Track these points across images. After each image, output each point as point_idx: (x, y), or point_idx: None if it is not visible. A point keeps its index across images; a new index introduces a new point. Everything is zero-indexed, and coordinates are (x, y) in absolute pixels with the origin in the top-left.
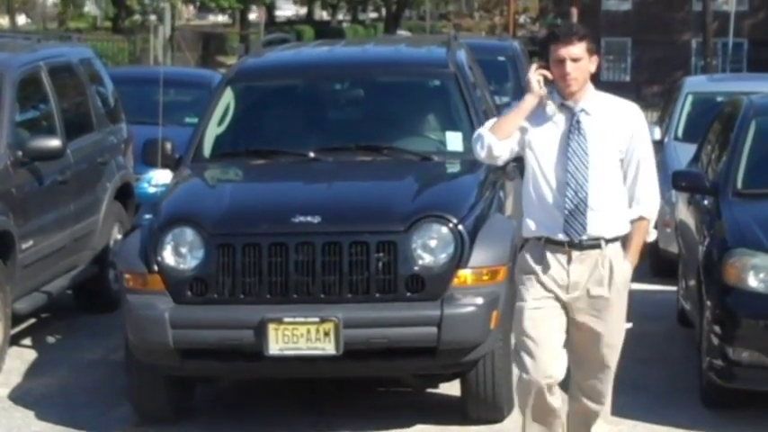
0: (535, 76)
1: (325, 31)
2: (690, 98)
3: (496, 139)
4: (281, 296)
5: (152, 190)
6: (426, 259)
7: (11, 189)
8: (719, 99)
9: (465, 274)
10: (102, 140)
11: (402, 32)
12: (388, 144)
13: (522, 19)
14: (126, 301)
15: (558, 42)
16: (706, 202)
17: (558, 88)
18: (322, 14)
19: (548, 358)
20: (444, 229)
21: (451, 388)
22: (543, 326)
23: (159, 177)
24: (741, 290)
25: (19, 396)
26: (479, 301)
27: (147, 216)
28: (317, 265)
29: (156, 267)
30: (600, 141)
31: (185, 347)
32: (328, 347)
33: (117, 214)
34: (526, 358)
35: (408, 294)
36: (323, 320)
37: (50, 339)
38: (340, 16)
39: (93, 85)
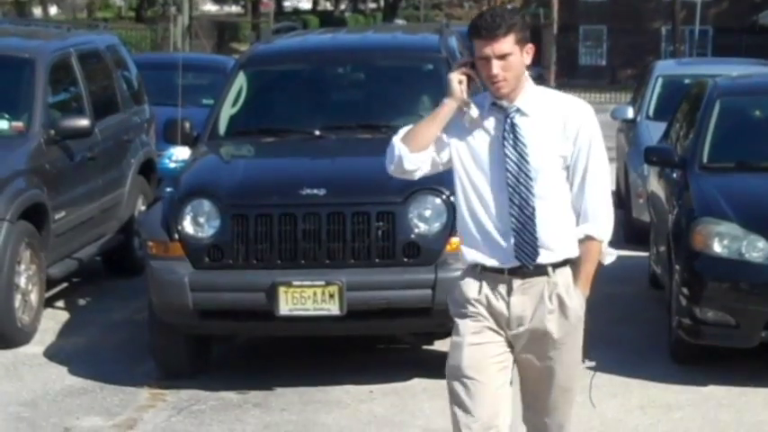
0: (457, 76)
1: (329, 20)
2: (660, 80)
3: (408, 151)
4: (290, 261)
5: (172, 165)
6: (422, 228)
7: (44, 165)
8: (687, 81)
9: (457, 241)
10: (127, 120)
11: (399, 21)
12: (387, 123)
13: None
14: (149, 266)
15: (481, 38)
16: (675, 175)
17: (488, 88)
18: (326, 5)
19: (489, 407)
20: (438, 200)
21: (445, 345)
22: (483, 367)
23: (179, 154)
24: (707, 255)
25: (53, 353)
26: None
27: (169, 189)
28: (323, 234)
29: (176, 236)
30: (540, 145)
31: (203, 308)
32: (333, 308)
33: (141, 187)
34: (464, 405)
35: (405, 260)
36: (328, 284)
37: (81, 302)
38: (342, 6)
39: (118, 70)
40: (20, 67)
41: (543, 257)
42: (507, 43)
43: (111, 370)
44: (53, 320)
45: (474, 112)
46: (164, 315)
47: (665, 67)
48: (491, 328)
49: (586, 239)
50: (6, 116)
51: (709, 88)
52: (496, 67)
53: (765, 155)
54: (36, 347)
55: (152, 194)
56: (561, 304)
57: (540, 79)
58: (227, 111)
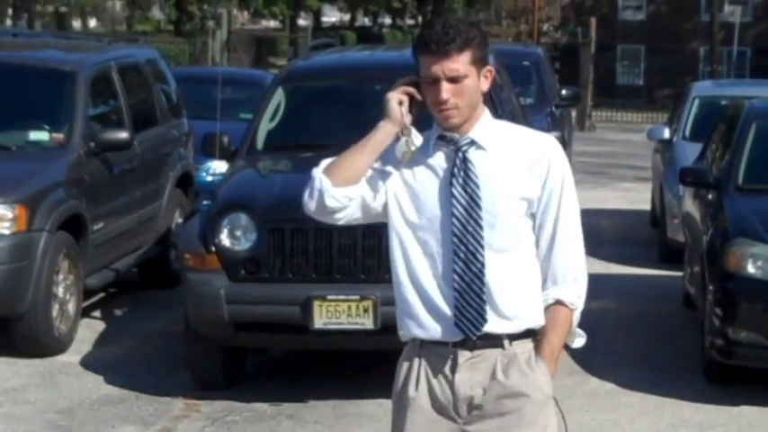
0: (396, 95)
1: (367, 36)
2: (697, 101)
3: (331, 184)
4: (325, 276)
5: (210, 179)
6: None
7: (84, 176)
8: (724, 102)
9: None
10: (165, 133)
11: None
12: None
13: (545, 27)
14: (186, 278)
15: (429, 53)
16: (710, 196)
17: (434, 117)
18: (364, 20)
19: None
20: None
21: None
22: None
23: (217, 167)
24: (740, 276)
25: (89, 362)
26: None
27: (206, 202)
28: (358, 249)
29: (213, 248)
30: (498, 185)
31: (239, 321)
32: (367, 323)
33: (178, 200)
34: None
35: None
36: (363, 298)
37: (117, 312)
38: (382, 21)
39: (157, 83)
40: (61, 80)
41: (495, 326)
42: (462, 63)
43: (146, 380)
44: (90, 330)
45: (417, 139)
46: (199, 327)
47: (702, 89)
48: (438, 421)
49: (555, 306)
50: (47, 128)
51: (745, 110)
52: (446, 91)
53: None
54: (73, 356)
55: (189, 207)
56: (523, 377)
57: (576, 99)
58: (265, 126)
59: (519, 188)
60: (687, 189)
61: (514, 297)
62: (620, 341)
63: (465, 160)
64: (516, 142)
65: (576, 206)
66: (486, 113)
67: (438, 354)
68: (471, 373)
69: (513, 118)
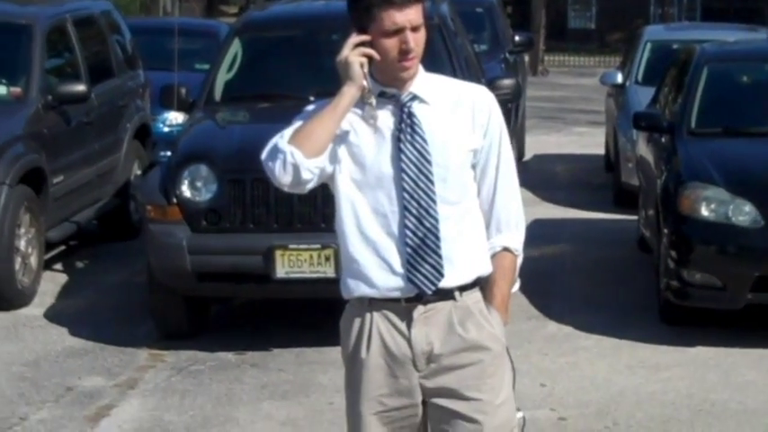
0: (357, 57)
1: None
2: (649, 45)
3: (303, 156)
4: (286, 225)
5: (167, 129)
6: None
7: (42, 130)
8: (675, 46)
9: None
10: (122, 85)
11: None
12: None
13: None
14: (148, 230)
15: (391, 4)
16: (663, 140)
17: (381, 72)
18: None
19: None
20: None
21: None
22: None
23: (174, 118)
24: (694, 218)
25: (53, 315)
26: None
27: (164, 153)
28: (318, 198)
29: (174, 200)
30: (445, 137)
31: (201, 271)
32: (329, 271)
33: (136, 152)
34: None
35: None
36: (323, 247)
37: (79, 264)
38: None
39: (113, 35)
40: (17, 34)
41: (449, 280)
42: (419, 13)
43: (110, 331)
44: (52, 283)
45: (374, 101)
46: (162, 277)
47: (653, 33)
48: (394, 386)
49: (502, 253)
50: (4, 82)
51: (696, 54)
52: (412, 40)
53: (752, 120)
54: (36, 309)
55: (148, 159)
56: (478, 328)
57: (529, 44)
58: (223, 77)
59: (465, 140)
60: (641, 133)
61: (466, 248)
62: (577, 285)
63: (411, 115)
64: (454, 94)
65: (512, 155)
66: (420, 67)
67: (391, 310)
68: (426, 327)
69: (468, 66)
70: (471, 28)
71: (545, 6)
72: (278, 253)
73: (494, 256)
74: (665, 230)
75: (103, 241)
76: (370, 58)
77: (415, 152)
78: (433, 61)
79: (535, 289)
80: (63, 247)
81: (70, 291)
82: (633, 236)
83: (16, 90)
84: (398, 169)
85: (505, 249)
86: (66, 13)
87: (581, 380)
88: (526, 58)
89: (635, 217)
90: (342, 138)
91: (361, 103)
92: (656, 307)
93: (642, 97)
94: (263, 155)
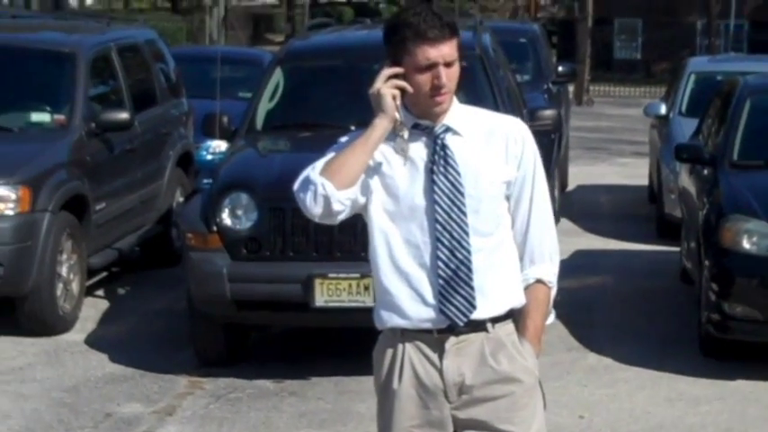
0: (389, 90)
1: (364, 11)
2: (693, 77)
3: (335, 188)
4: (325, 254)
5: (210, 157)
6: None
7: (85, 157)
8: (719, 78)
9: None
10: (165, 113)
11: None
12: None
13: (542, 1)
14: (188, 257)
15: (426, 40)
16: (705, 172)
17: (414, 105)
18: None
19: None
20: None
21: None
22: None
23: (216, 146)
24: (735, 251)
25: (94, 341)
26: None
27: (206, 181)
28: (358, 227)
29: (215, 228)
30: (478, 170)
31: (241, 299)
32: (367, 300)
33: (179, 179)
34: None
35: None
36: (363, 276)
37: (120, 291)
38: None
39: (156, 63)
40: (61, 62)
41: (481, 311)
42: (454, 48)
43: (150, 358)
44: (94, 309)
45: (407, 134)
46: (202, 305)
47: (697, 64)
48: (427, 416)
49: (535, 285)
50: (49, 109)
51: (740, 86)
52: (445, 76)
53: None
54: (77, 335)
55: (190, 186)
56: (511, 360)
57: (572, 75)
58: (264, 105)
59: (499, 172)
60: (683, 165)
61: (499, 280)
62: (618, 316)
63: (444, 147)
64: (488, 126)
65: (546, 185)
66: (455, 100)
67: (423, 341)
68: (459, 358)
69: (510, 96)
70: (514, 58)
71: (590, 37)
72: (317, 282)
73: (527, 288)
74: (707, 263)
75: (145, 268)
76: (402, 91)
77: (448, 184)
78: (474, 92)
79: (576, 320)
80: (105, 274)
81: (111, 317)
82: (675, 267)
83: (60, 117)
84: (431, 201)
85: (539, 281)
86: (111, 41)
87: (619, 412)
88: (571, 88)
89: (677, 248)
90: (375, 169)
91: (393, 134)
92: (697, 339)
93: (686, 129)
94: (296, 186)
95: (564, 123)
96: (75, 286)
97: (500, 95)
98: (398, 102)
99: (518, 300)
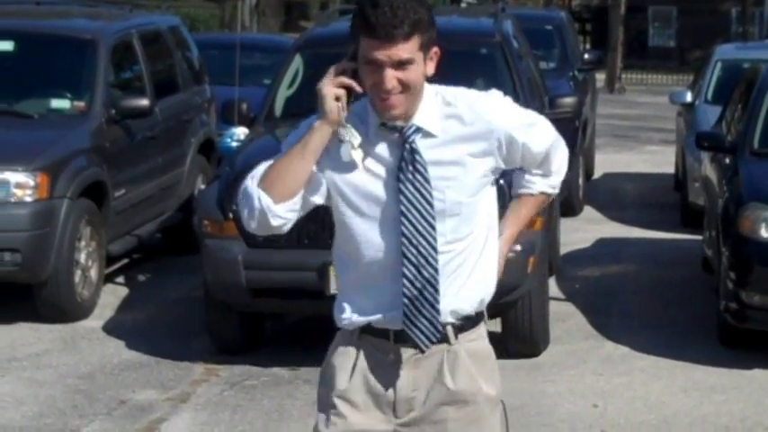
0: (332, 89)
1: None
2: (719, 64)
3: (272, 201)
4: None
5: (234, 144)
6: None
7: (105, 144)
8: (746, 65)
9: None
10: (187, 100)
11: (463, 4)
12: None
13: None
14: (204, 245)
15: (374, 36)
16: (726, 160)
17: (372, 104)
18: None
19: None
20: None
21: (493, 325)
22: None
23: (241, 133)
24: (754, 240)
25: (112, 328)
26: (518, 248)
27: (226, 168)
28: None
29: (231, 215)
30: (452, 172)
31: (256, 286)
32: None
33: (201, 166)
34: None
35: None
36: None
37: (140, 278)
38: None
39: (179, 50)
40: (82, 48)
41: (444, 316)
42: (409, 48)
43: (167, 345)
44: (112, 296)
45: (355, 139)
46: (218, 293)
47: (724, 52)
48: (367, 423)
49: (538, 196)
50: (69, 96)
51: (762, 74)
52: (391, 79)
53: None
54: (95, 322)
55: (212, 173)
56: (470, 378)
57: (598, 63)
58: (284, 92)
59: (479, 165)
60: (706, 153)
61: (469, 287)
62: (637, 305)
63: (413, 152)
64: (463, 113)
65: (535, 115)
66: (427, 92)
67: (379, 348)
68: (415, 371)
69: (532, 86)
70: (540, 45)
71: (623, 24)
72: (332, 269)
73: (521, 196)
74: (725, 251)
75: (166, 255)
76: (349, 91)
77: (416, 193)
78: (494, 79)
79: (595, 308)
80: (126, 260)
81: (130, 304)
82: (698, 256)
83: (80, 104)
84: (398, 211)
85: (542, 193)
86: (132, 28)
87: (634, 401)
88: (602, 75)
89: (700, 237)
90: (338, 170)
91: (337, 140)
92: (716, 329)
93: (711, 116)
94: (239, 196)
95: (590, 111)
96: (93, 273)
97: (520, 83)
98: (343, 102)
99: (488, 295)
